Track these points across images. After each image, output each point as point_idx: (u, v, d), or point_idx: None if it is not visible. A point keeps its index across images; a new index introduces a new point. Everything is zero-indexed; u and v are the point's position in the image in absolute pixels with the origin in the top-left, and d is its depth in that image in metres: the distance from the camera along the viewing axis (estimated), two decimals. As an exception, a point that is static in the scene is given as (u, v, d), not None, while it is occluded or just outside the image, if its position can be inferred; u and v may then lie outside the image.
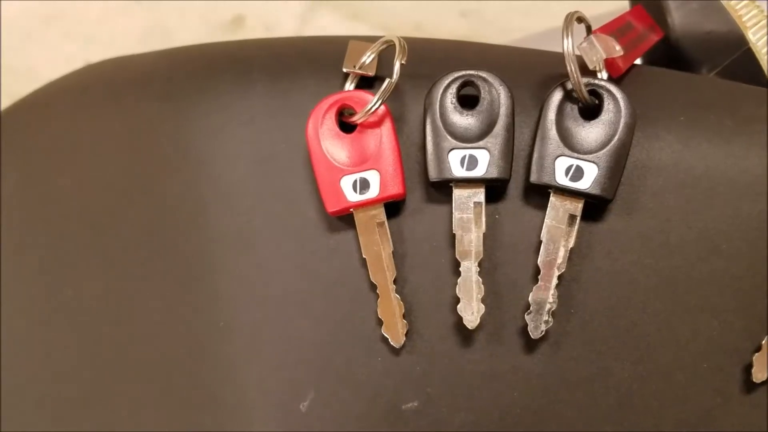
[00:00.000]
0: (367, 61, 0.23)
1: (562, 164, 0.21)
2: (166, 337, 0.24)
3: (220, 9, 0.49)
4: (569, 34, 0.21)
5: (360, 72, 0.23)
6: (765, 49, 0.31)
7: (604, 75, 0.23)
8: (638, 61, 0.34)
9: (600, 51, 0.23)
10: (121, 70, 0.29)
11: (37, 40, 0.55)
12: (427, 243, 0.22)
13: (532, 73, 0.23)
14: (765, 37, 0.31)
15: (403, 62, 0.22)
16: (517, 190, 0.22)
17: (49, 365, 0.26)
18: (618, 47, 0.24)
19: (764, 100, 0.24)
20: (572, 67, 0.21)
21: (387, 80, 0.21)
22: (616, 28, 0.26)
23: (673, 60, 0.32)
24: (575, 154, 0.21)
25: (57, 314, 0.26)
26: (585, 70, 0.23)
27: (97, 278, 0.25)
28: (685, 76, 0.25)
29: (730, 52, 0.31)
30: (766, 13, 0.32)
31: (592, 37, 0.23)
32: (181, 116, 0.25)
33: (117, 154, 0.26)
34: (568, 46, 0.21)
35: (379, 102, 0.21)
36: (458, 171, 0.21)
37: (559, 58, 0.23)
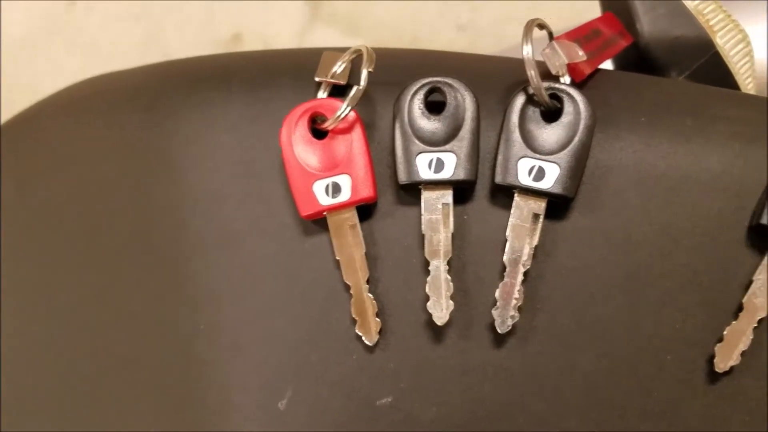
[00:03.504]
0: (339, 71, 0.24)
1: (525, 165, 0.22)
2: (152, 340, 0.25)
3: (219, 28, 0.51)
4: (528, 41, 0.22)
5: (332, 81, 0.24)
6: (732, 52, 0.33)
7: (566, 80, 0.24)
8: (609, 66, 0.36)
9: (562, 57, 0.24)
10: (111, 84, 0.30)
11: (38, 55, 0.56)
12: (398, 244, 0.23)
13: (498, 79, 0.24)
14: (732, 41, 0.33)
15: (370, 70, 0.23)
16: (484, 191, 0.23)
17: (41, 366, 0.27)
18: (581, 53, 0.25)
19: (726, 101, 0.25)
20: (532, 73, 0.22)
21: (355, 87, 0.23)
22: (582, 35, 0.27)
23: (643, 64, 0.33)
24: (537, 156, 0.22)
25: (50, 317, 0.27)
26: (549, 75, 0.24)
27: (88, 284, 0.26)
28: (649, 78, 0.26)
29: (699, 56, 0.33)
30: (732, 18, 0.33)
31: (554, 43, 0.24)
32: (165, 126, 0.26)
33: (107, 164, 0.27)
34: (527, 52, 0.22)
35: (348, 108, 0.23)
36: (426, 174, 0.23)
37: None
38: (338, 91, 0.24)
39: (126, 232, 0.26)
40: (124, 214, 0.26)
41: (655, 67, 0.33)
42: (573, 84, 0.24)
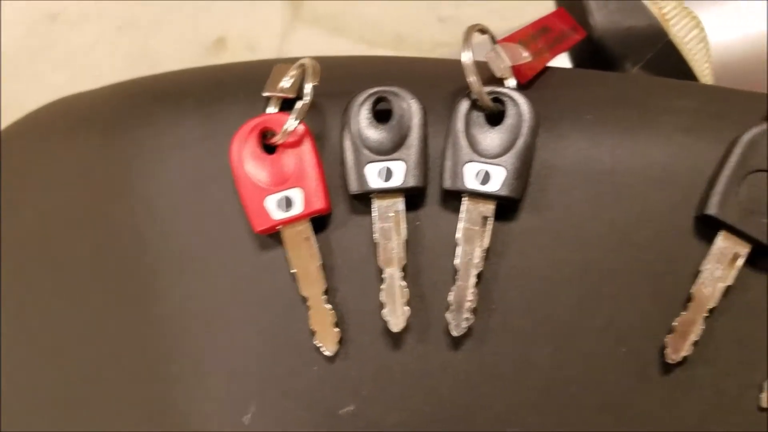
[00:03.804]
0: (287, 85, 0.24)
1: (471, 169, 0.23)
2: (118, 360, 0.25)
3: (203, 33, 0.51)
4: (468, 47, 0.22)
5: (281, 95, 0.24)
6: (686, 39, 0.33)
7: (511, 82, 0.24)
8: (565, 61, 0.36)
9: (505, 60, 0.24)
10: (72, 107, 0.30)
11: (24, 73, 0.56)
12: (353, 253, 0.23)
13: (448, 83, 0.25)
14: (685, 28, 0.33)
15: (315, 83, 0.23)
16: (435, 195, 0.23)
17: (13, 386, 0.27)
18: (526, 54, 0.26)
19: (673, 92, 0.25)
20: (473, 79, 0.22)
21: (299, 102, 0.23)
22: (528, 34, 0.28)
23: (598, 58, 0.34)
24: (483, 159, 0.23)
25: (22, 336, 0.28)
26: (494, 78, 0.25)
27: (57, 308, 0.27)
28: (596, 74, 0.27)
29: (652, 46, 0.33)
30: (684, 5, 0.34)
31: (497, 46, 0.25)
32: (121, 148, 0.26)
33: (70, 188, 0.27)
34: (467, 58, 0.22)
35: (295, 122, 0.23)
36: (376, 183, 0.23)
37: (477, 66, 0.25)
38: (292, 104, 0.25)
39: (90, 255, 0.26)
40: (88, 238, 0.26)
41: (609, 60, 0.33)
42: (518, 86, 0.24)
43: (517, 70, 0.25)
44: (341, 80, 0.25)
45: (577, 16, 0.33)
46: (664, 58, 0.33)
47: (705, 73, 0.33)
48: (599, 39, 0.33)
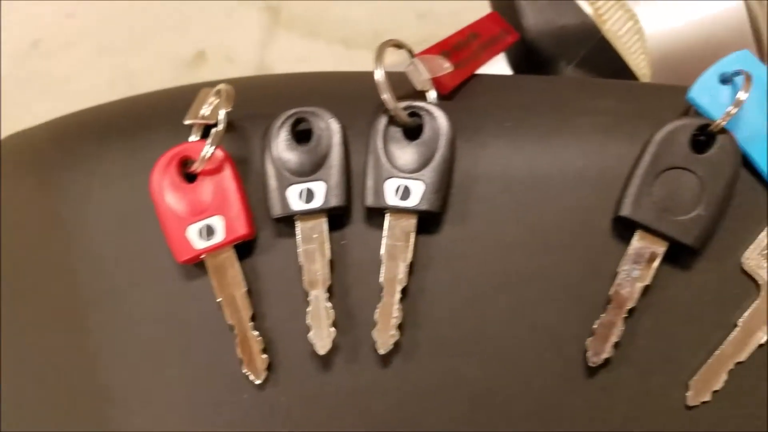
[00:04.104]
0: (207, 112, 0.24)
1: (391, 185, 0.23)
2: (58, 397, 0.25)
3: (182, 48, 0.51)
4: (380, 64, 0.22)
5: (201, 121, 0.24)
6: (620, 32, 0.33)
7: (432, 94, 0.24)
8: (503, 64, 0.36)
9: (424, 73, 0.24)
10: (16, 146, 0.30)
11: (10, 103, 0.56)
12: (280, 277, 0.23)
13: (373, 98, 0.25)
14: (618, 21, 0.33)
15: (228, 110, 0.23)
16: (360, 213, 0.23)
17: None
18: (447, 65, 0.26)
19: (593, 93, 0.25)
20: (386, 96, 0.22)
21: (213, 129, 0.23)
22: (452, 44, 0.28)
23: (533, 59, 0.34)
24: (402, 174, 0.23)
25: None
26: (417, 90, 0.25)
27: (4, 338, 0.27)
28: (519, 79, 0.27)
29: (586, 43, 0.33)
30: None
31: (415, 60, 0.25)
32: (53, 185, 0.26)
33: (16, 226, 0.27)
34: (379, 76, 0.22)
35: (211, 149, 0.23)
36: (298, 205, 0.23)
37: (401, 77, 0.25)
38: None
39: (32, 293, 0.26)
40: (30, 276, 0.26)
41: (544, 60, 0.33)
42: (439, 97, 0.24)
43: (438, 82, 0.25)
44: (266, 102, 0.25)
45: (510, 17, 0.34)
46: (600, 54, 0.33)
47: (641, 66, 0.33)
48: (532, 40, 0.33)
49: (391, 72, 0.25)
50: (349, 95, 0.26)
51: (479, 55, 0.28)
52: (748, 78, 0.21)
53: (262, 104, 0.25)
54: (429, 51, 0.26)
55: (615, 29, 0.33)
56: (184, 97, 0.26)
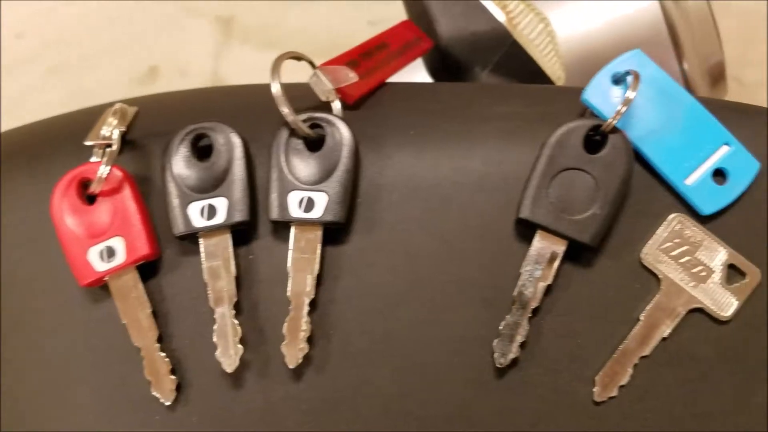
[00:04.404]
0: (107, 132, 0.24)
1: (294, 198, 0.23)
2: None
3: (134, 64, 0.50)
4: (276, 77, 0.22)
5: (102, 142, 0.24)
6: (532, 36, 0.34)
7: (336, 105, 0.25)
8: (422, 71, 0.36)
9: (327, 84, 0.24)
10: None
11: None
12: (186, 296, 0.23)
13: (277, 111, 0.25)
14: (529, 25, 0.34)
15: (122, 129, 0.23)
16: (267, 227, 0.23)
17: None
18: (352, 74, 0.26)
19: (497, 98, 0.26)
20: (285, 109, 0.22)
21: (107, 149, 0.23)
22: (358, 54, 0.28)
23: (448, 66, 0.34)
24: (305, 186, 0.22)
25: None
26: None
27: None
28: (426, 87, 0.27)
29: (499, 48, 0.34)
30: (528, 2, 0.34)
31: (318, 71, 0.25)
32: None
33: None
34: (275, 89, 0.22)
35: (106, 169, 0.22)
36: (199, 222, 0.23)
37: (307, 89, 0.25)
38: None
39: None
40: None
41: (459, 67, 0.34)
42: (344, 107, 0.24)
43: (343, 92, 0.25)
44: (173, 119, 0.25)
45: (425, 25, 0.34)
46: (514, 59, 0.33)
47: (555, 69, 0.34)
48: (446, 47, 0.33)
49: (297, 84, 0.25)
50: (257, 108, 0.25)
51: (389, 64, 0.28)
52: (637, 77, 0.22)
53: (168, 121, 0.25)
54: (334, 61, 0.26)
55: (526, 33, 0.33)
56: (90, 119, 0.25)
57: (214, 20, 0.51)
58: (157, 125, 0.25)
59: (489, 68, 0.33)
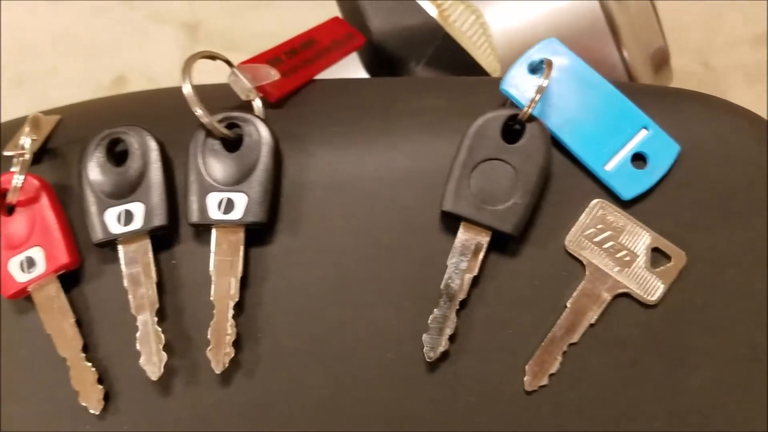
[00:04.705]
0: (25, 144, 0.23)
1: (213, 200, 0.22)
2: None
3: (101, 73, 0.50)
4: (187, 77, 0.22)
5: (20, 152, 0.23)
6: (464, 28, 0.34)
7: (257, 103, 0.24)
8: (359, 67, 0.36)
9: (245, 82, 0.24)
10: None
11: None
12: (110, 304, 0.22)
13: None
14: (461, 17, 0.34)
15: (34, 138, 0.22)
16: (189, 231, 0.23)
17: None
18: (273, 72, 0.26)
19: (421, 92, 0.25)
20: (199, 111, 0.22)
21: (21, 158, 0.22)
22: (281, 52, 0.28)
23: (382, 61, 0.34)
24: (223, 188, 0.22)
25: None
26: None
27: None
28: (351, 82, 0.27)
29: (432, 42, 0.33)
30: (459, -4, 0.34)
31: (236, 70, 0.24)
32: None
33: None
34: (187, 90, 0.22)
35: (19, 179, 0.22)
36: (117, 228, 0.22)
37: (225, 89, 0.25)
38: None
39: None
40: None
41: (392, 62, 0.34)
42: (266, 106, 0.24)
43: (264, 90, 0.25)
44: (92, 125, 0.24)
45: (357, 21, 0.34)
46: (448, 52, 0.33)
47: (490, 60, 0.33)
48: (378, 42, 0.33)
49: (222, 84, 0.25)
50: (185, 110, 0.25)
51: (316, 61, 0.28)
52: (549, 65, 0.22)
53: (91, 128, 0.24)
54: (255, 59, 0.25)
55: (458, 25, 0.33)
56: (11, 130, 0.25)
57: (180, 26, 0.51)
58: (79, 132, 0.24)
59: (423, 62, 0.33)
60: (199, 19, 0.50)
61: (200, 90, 0.25)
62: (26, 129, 0.23)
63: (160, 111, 0.25)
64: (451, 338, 0.22)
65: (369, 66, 0.35)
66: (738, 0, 0.46)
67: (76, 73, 0.50)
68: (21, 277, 0.22)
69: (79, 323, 0.22)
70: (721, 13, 0.46)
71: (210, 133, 0.22)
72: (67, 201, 0.23)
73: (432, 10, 0.33)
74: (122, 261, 0.22)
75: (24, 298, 0.23)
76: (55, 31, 0.51)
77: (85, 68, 0.49)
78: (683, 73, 0.46)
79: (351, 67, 0.36)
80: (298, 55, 0.27)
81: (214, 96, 0.25)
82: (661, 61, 0.36)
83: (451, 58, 0.33)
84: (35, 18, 0.50)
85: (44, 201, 0.22)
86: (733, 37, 0.47)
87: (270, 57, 0.26)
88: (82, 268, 0.23)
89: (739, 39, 0.46)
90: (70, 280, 0.23)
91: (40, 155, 0.24)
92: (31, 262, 0.22)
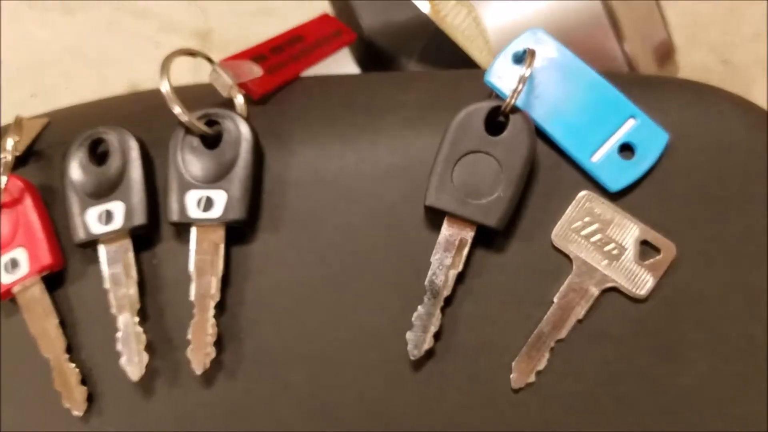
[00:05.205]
0: (8, 145, 0.23)
1: (193, 198, 0.22)
2: None
3: (113, 82, 0.50)
4: (165, 75, 0.22)
5: (6, 154, 0.23)
6: (456, 22, 0.33)
7: (239, 100, 0.24)
8: (351, 64, 0.36)
9: (227, 79, 0.24)
10: None
11: None
12: (93, 305, 0.22)
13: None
14: (453, 11, 0.33)
15: (16, 139, 0.22)
16: (170, 230, 0.23)
17: None
18: (256, 69, 0.25)
19: (405, 87, 0.25)
20: (177, 109, 0.21)
21: (3, 159, 0.22)
22: (266, 49, 0.27)
23: (373, 57, 0.34)
24: (203, 185, 0.22)
25: None
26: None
27: None
28: (334, 79, 0.26)
29: (422, 37, 0.33)
30: (451, -9, 0.34)
31: (217, 66, 0.24)
32: None
33: None
34: (165, 87, 0.22)
35: (3, 180, 0.22)
36: (97, 228, 0.22)
37: (210, 89, 0.24)
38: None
39: None
40: None
41: (384, 58, 0.33)
42: (249, 103, 0.24)
43: (247, 88, 0.24)
44: (78, 127, 0.24)
45: (349, 18, 0.33)
46: (439, 47, 0.33)
47: (483, 54, 0.33)
48: (369, 39, 0.33)
49: (204, 84, 0.25)
50: (165, 110, 0.25)
51: (303, 58, 0.28)
52: (532, 54, 0.21)
53: (77, 130, 0.24)
54: (238, 56, 0.25)
55: (450, 20, 0.32)
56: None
57: (191, 36, 0.51)
58: (65, 135, 0.24)
59: (415, 58, 0.33)
60: (209, 28, 0.50)
61: (185, 90, 0.25)
62: (10, 130, 0.23)
63: (145, 111, 0.25)
64: (436, 336, 0.21)
65: (361, 63, 0.34)
66: (755, -7, 0.45)
67: (89, 84, 0.50)
68: (5, 278, 0.22)
69: (63, 324, 0.22)
70: (738, 8, 0.45)
71: (189, 131, 0.22)
72: (52, 202, 0.23)
73: (424, 6, 0.32)
74: (103, 261, 0.22)
75: (8, 299, 0.22)
76: (68, 44, 0.52)
77: (98, 80, 0.50)
78: (703, 70, 0.45)
79: (343, 64, 0.35)
80: (285, 52, 0.27)
81: (199, 95, 0.25)
82: (665, 54, 0.35)
83: (443, 54, 0.32)
84: (48, 31, 0.51)
85: (28, 202, 0.22)
86: (752, 32, 0.45)
87: (254, 54, 0.26)
88: (66, 269, 0.23)
89: (758, 33, 0.45)
90: (54, 281, 0.22)
91: (26, 157, 0.24)
92: (14, 264, 0.22)
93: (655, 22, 0.34)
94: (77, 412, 0.21)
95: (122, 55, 0.49)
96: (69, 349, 0.22)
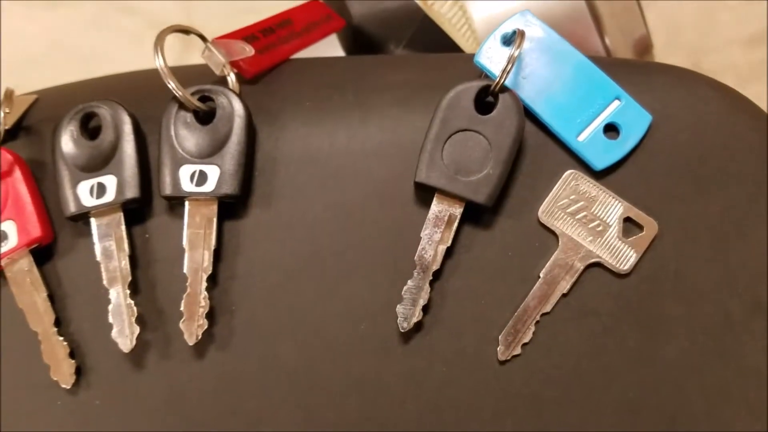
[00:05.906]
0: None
1: (186, 172, 0.22)
2: None
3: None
4: (160, 51, 0.22)
5: (-6, 126, 0.23)
6: (443, 10, 0.33)
7: (231, 78, 0.24)
8: (339, 51, 0.36)
9: (220, 57, 0.24)
10: None
11: None
12: (83, 278, 0.22)
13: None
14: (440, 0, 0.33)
15: (7, 111, 0.22)
16: (163, 205, 0.23)
17: None
18: (248, 48, 0.25)
19: (393, 68, 0.25)
20: (171, 84, 0.21)
21: (-8, 131, 0.22)
22: (257, 30, 0.27)
23: (361, 44, 0.34)
24: (196, 160, 0.22)
25: None
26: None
27: None
28: (325, 60, 0.26)
29: (411, 24, 0.33)
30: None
31: (209, 45, 0.24)
32: None
33: None
34: (160, 62, 0.22)
35: (-8, 154, 0.22)
36: (89, 201, 0.22)
37: (203, 69, 0.24)
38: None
39: None
40: None
41: (372, 45, 0.33)
42: (241, 82, 0.24)
43: (239, 66, 0.24)
44: (69, 103, 0.24)
45: (338, 4, 0.33)
46: (427, 35, 0.33)
47: (469, 42, 0.33)
48: (358, 25, 0.33)
49: (197, 65, 0.25)
50: (158, 89, 0.25)
51: (292, 40, 0.28)
52: (521, 35, 0.21)
53: (67, 106, 0.24)
54: (230, 36, 0.25)
55: (437, 8, 0.33)
56: None
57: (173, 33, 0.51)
58: (55, 110, 0.24)
59: (402, 44, 0.33)
60: (193, 23, 0.50)
61: (178, 69, 0.25)
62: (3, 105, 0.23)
63: (136, 90, 0.25)
64: (425, 309, 0.21)
65: (349, 50, 0.35)
66: (731, 0, 0.46)
67: (75, 79, 0.50)
68: (-7, 251, 0.22)
69: (52, 298, 0.22)
70: (713, 14, 0.46)
71: (183, 106, 0.22)
72: (42, 177, 0.23)
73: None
74: (95, 234, 0.22)
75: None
76: (54, 39, 0.51)
77: (84, 75, 0.50)
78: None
79: (331, 52, 0.35)
80: (275, 34, 0.27)
81: (192, 75, 0.25)
82: (643, 49, 0.35)
83: (430, 41, 0.33)
84: (33, 26, 0.50)
85: (17, 175, 0.22)
86: (726, 38, 0.46)
87: (246, 34, 0.26)
88: (56, 242, 0.22)
89: (731, 40, 0.46)
90: (43, 254, 0.22)
91: (16, 132, 0.24)
92: (3, 236, 0.22)
93: (635, 19, 0.35)
94: (65, 385, 0.21)
95: (107, 50, 0.49)
96: (57, 323, 0.22)
